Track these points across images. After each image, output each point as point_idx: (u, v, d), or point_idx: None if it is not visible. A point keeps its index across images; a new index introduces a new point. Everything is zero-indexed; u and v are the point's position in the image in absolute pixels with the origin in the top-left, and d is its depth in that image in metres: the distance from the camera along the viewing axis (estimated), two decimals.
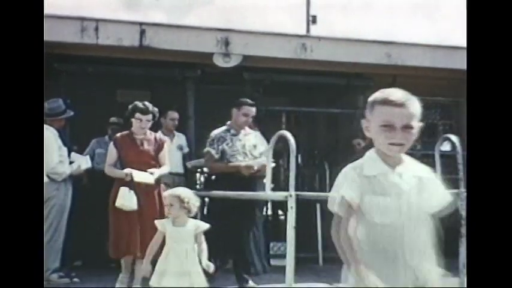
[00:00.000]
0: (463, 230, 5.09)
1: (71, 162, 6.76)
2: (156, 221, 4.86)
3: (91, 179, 7.29)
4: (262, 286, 6.52)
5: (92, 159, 7.35)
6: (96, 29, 7.27)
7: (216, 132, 6.49)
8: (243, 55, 7.75)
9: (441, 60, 8.37)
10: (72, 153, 6.90)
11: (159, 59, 7.87)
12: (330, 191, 2.68)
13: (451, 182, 5.62)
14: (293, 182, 5.07)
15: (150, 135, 6.24)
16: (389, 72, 8.65)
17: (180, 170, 7.85)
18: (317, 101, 9.17)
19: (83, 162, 6.85)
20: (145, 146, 6.15)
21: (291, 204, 4.97)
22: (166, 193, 4.95)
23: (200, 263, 4.66)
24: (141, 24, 7.51)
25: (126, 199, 5.80)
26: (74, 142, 7.40)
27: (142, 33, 7.42)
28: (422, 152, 9.36)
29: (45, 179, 6.27)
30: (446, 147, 6.54)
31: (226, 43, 7.70)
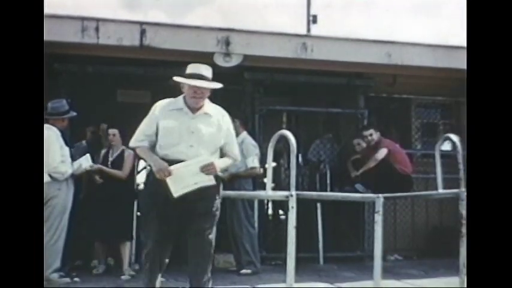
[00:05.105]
0: (463, 230, 5.08)
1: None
2: None
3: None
4: (263, 286, 6.53)
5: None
6: (97, 28, 7.26)
7: None
8: (243, 55, 7.73)
9: (442, 60, 8.35)
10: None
11: (159, 59, 7.86)
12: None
13: (451, 181, 5.65)
14: (294, 182, 5.07)
15: None
16: (390, 71, 8.65)
17: None
18: (317, 101, 9.16)
19: (84, 161, 6.85)
20: None
21: (292, 204, 4.97)
22: None
23: None
24: (141, 23, 7.49)
25: None
26: (73, 141, 7.38)
27: (142, 33, 7.41)
28: (423, 151, 9.37)
29: (47, 178, 6.28)
30: (446, 146, 6.55)
31: (227, 43, 7.68)
